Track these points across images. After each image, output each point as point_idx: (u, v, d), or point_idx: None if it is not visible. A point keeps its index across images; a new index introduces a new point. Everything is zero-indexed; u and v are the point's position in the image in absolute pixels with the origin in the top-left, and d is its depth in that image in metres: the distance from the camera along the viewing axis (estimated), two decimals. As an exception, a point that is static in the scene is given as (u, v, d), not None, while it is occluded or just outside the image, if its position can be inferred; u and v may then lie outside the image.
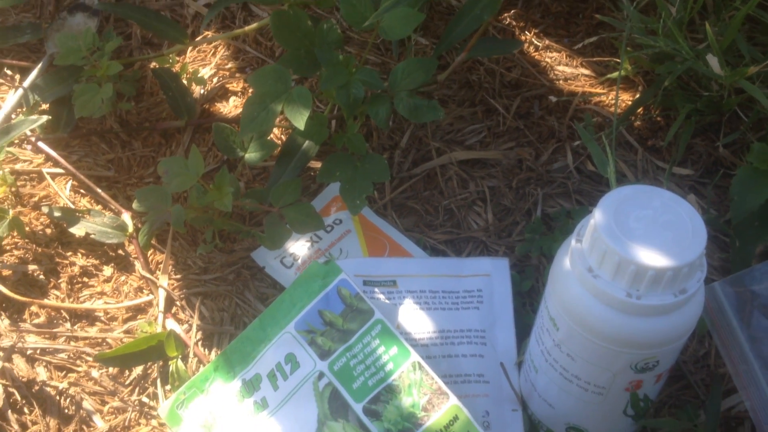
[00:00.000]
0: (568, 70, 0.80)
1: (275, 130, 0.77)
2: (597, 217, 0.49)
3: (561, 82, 0.79)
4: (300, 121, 0.63)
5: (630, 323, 0.49)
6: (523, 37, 0.83)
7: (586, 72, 0.80)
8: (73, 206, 0.71)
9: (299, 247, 0.69)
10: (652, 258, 0.47)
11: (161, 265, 0.67)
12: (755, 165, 0.63)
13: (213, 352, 0.64)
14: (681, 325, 0.50)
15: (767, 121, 0.68)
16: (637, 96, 0.76)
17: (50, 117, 0.73)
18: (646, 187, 0.51)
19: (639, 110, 0.76)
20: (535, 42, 0.82)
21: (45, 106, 0.76)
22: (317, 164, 0.73)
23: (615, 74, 0.77)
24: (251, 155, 0.67)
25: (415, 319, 0.64)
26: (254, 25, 0.77)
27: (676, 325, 0.50)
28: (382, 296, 0.65)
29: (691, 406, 0.59)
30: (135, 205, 0.65)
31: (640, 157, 0.73)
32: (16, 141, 0.75)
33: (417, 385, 0.56)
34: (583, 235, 0.50)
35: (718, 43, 0.71)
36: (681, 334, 0.50)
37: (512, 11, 0.85)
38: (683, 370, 0.63)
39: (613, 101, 0.77)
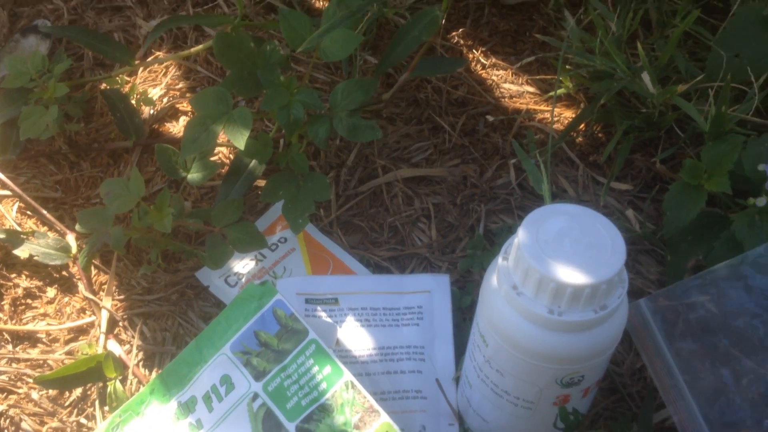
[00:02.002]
0: (513, 88, 0.81)
1: (223, 150, 0.77)
2: (520, 235, 0.50)
3: (506, 99, 0.80)
4: (240, 141, 0.63)
5: (553, 339, 0.50)
6: (470, 56, 0.84)
7: (531, 90, 0.81)
8: (19, 228, 0.71)
9: (243, 266, 0.69)
10: (572, 275, 0.48)
11: (105, 286, 0.68)
12: (687, 180, 0.64)
13: (154, 373, 0.64)
14: (603, 340, 0.51)
15: (703, 137, 0.69)
16: (578, 113, 0.77)
17: (-2, 138, 0.74)
18: (569, 206, 0.51)
19: (581, 127, 0.77)
20: (482, 60, 0.83)
21: (-6, 128, 0.77)
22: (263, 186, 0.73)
23: (556, 93, 0.78)
24: (194, 176, 0.68)
25: (356, 336, 0.64)
26: (201, 47, 0.78)
27: (599, 341, 0.50)
28: (323, 314, 0.65)
29: (624, 419, 0.60)
30: (78, 227, 0.65)
31: (581, 172, 0.74)
32: (-36, 163, 0.75)
33: (349, 403, 0.57)
34: (510, 253, 0.51)
35: (658, 60, 0.72)
36: (604, 349, 0.51)
37: (461, 29, 0.86)
38: (617, 383, 0.63)
39: (556, 118, 0.78)
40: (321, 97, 0.67)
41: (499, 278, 0.52)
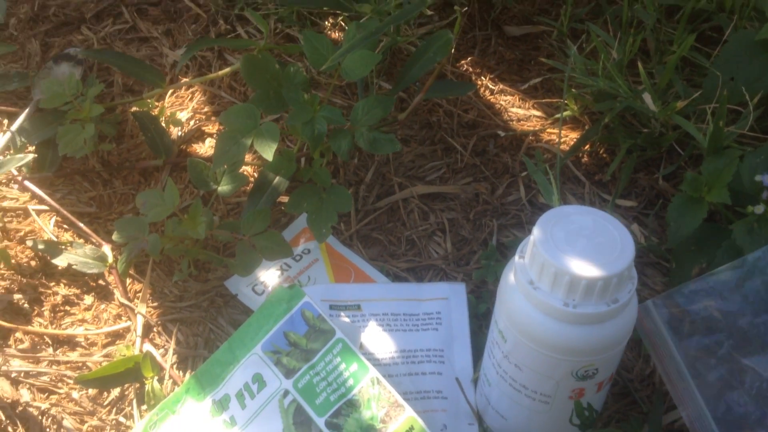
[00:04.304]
0: (521, 112, 0.86)
1: (248, 168, 0.82)
2: (535, 233, 0.54)
3: (514, 122, 0.85)
4: (268, 152, 0.68)
5: (568, 331, 0.53)
6: (479, 82, 0.89)
7: (538, 113, 0.86)
8: (56, 240, 0.75)
9: (270, 276, 0.73)
10: (585, 269, 0.52)
11: (139, 294, 0.71)
12: (688, 193, 0.68)
13: (187, 374, 0.67)
14: (616, 333, 0.54)
15: (702, 157, 0.73)
16: (583, 133, 0.82)
17: (36, 156, 0.78)
18: (581, 207, 0.56)
19: (586, 147, 0.81)
20: (490, 86, 0.88)
21: (31, 148, 0.81)
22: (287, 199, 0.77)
23: (562, 114, 0.83)
24: (224, 187, 0.72)
25: (378, 340, 0.68)
26: (227, 70, 0.83)
27: (611, 333, 0.54)
28: (347, 319, 0.69)
29: (635, 420, 0.64)
30: (115, 236, 0.69)
31: (588, 190, 0.79)
32: (4, 180, 0.80)
33: (375, 398, 0.60)
34: (525, 251, 0.55)
35: (657, 84, 0.77)
36: (616, 342, 0.55)
37: (469, 58, 0.91)
38: (629, 387, 0.67)
39: (562, 139, 0.83)
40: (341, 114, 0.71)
41: (516, 275, 0.55)
